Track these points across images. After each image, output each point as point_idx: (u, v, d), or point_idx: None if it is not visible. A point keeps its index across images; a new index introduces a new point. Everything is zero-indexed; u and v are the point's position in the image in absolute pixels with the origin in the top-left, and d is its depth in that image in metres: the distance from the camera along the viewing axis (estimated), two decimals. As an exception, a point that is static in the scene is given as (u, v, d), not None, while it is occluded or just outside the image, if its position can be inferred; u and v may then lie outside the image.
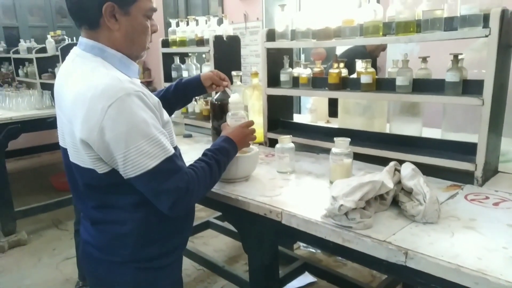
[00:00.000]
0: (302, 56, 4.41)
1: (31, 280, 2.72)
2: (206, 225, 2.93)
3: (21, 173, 4.88)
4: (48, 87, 3.71)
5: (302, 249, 2.97)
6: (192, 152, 1.78)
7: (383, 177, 1.12)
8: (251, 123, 1.39)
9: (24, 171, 5.01)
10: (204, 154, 1.19)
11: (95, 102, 0.93)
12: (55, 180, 4.32)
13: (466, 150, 1.37)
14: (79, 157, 1.02)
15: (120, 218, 1.06)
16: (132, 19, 1.04)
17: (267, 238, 1.32)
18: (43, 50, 3.72)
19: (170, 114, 1.27)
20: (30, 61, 4.15)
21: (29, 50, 4.03)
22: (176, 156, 1.03)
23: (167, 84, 2.52)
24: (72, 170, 1.08)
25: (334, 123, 2.11)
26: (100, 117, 0.92)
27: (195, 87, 1.57)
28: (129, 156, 0.94)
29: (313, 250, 2.95)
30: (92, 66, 1.01)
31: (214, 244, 3.14)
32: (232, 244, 3.09)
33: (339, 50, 3.31)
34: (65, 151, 1.09)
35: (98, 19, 1.01)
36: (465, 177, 1.35)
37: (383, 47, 3.13)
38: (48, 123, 3.29)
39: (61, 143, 1.12)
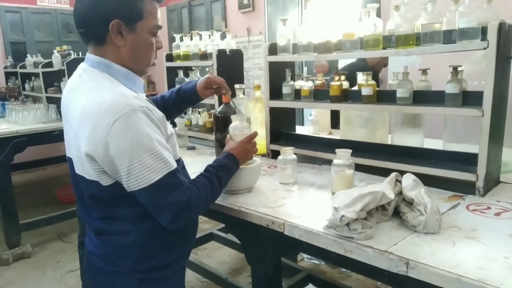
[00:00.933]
0: (305, 69, 4.46)
1: (35, 293, 2.73)
2: (210, 237, 2.93)
3: (26, 186, 4.91)
4: (54, 101, 3.76)
5: (306, 261, 2.96)
6: (195, 164, 1.80)
7: (384, 188, 1.13)
8: (254, 135, 1.41)
9: (29, 184, 5.04)
10: (206, 170, 1.21)
11: (101, 117, 0.95)
12: (60, 193, 4.35)
13: (468, 161, 1.38)
14: (84, 170, 1.05)
15: (124, 229, 1.08)
16: (138, 36, 1.07)
17: (270, 249, 1.32)
18: (49, 64, 3.79)
19: (168, 119, 1.26)
20: (36, 75, 4.22)
21: (35, 64, 4.10)
22: (178, 171, 1.05)
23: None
24: (78, 181, 1.10)
25: (337, 135, 2.13)
26: (105, 132, 0.94)
27: (193, 96, 1.55)
28: (133, 170, 0.96)
29: (317, 262, 2.94)
30: (99, 82, 1.03)
31: (217, 256, 3.13)
32: (236, 256, 3.08)
33: (341, 64, 3.35)
34: (71, 161, 1.12)
35: (104, 36, 1.04)
36: (466, 188, 1.36)
37: (384, 63, 3.15)
38: (54, 137, 3.33)
39: (67, 154, 1.15)
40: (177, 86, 1.66)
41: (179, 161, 1.15)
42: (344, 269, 2.81)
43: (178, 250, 1.19)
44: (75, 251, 3.10)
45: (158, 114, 1.06)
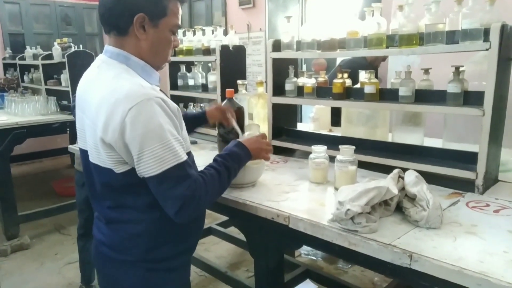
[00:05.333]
0: (304, 66, 4.48)
1: (34, 284, 2.73)
2: (208, 231, 2.95)
3: (23, 178, 4.91)
4: (53, 93, 3.76)
5: (303, 256, 3.00)
6: (197, 158, 1.78)
7: (388, 183, 1.16)
8: (264, 135, 1.42)
9: (26, 176, 5.04)
10: (214, 160, 1.22)
11: (118, 105, 0.98)
12: (57, 186, 4.35)
13: (467, 159, 1.41)
14: (99, 158, 1.07)
15: (135, 218, 1.10)
16: (159, 32, 1.10)
17: (273, 242, 1.35)
18: (49, 56, 3.78)
19: None
20: (35, 67, 4.21)
21: (35, 56, 4.09)
22: (187, 164, 1.06)
23: (173, 92, 2.59)
24: (91, 170, 1.12)
25: (337, 132, 2.15)
26: (121, 119, 0.97)
27: (200, 121, 1.67)
28: (143, 157, 0.99)
29: (314, 258, 2.97)
30: (117, 72, 1.06)
31: (215, 250, 3.16)
32: (234, 251, 3.11)
33: (339, 60, 3.38)
34: (85, 153, 1.14)
35: (128, 27, 1.07)
36: (465, 186, 1.39)
37: (383, 57, 3.18)
38: (53, 129, 3.33)
39: (81, 145, 1.17)
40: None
41: (189, 154, 1.17)
42: (341, 265, 2.85)
43: (186, 241, 1.21)
44: (73, 244, 3.11)
45: (173, 106, 1.08)
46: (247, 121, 2.01)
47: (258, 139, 1.37)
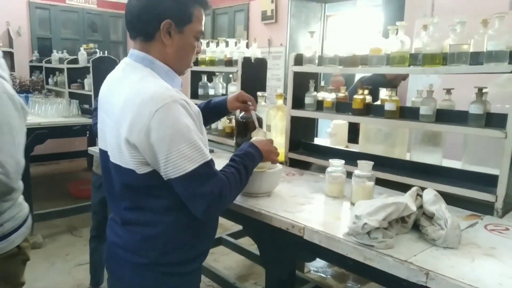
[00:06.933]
0: (323, 82, 4.49)
1: (44, 283, 2.76)
2: (219, 241, 2.95)
3: (40, 178, 4.99)
4: (76, 97, 3.86)
5: (312, 273, 2.96)
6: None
7: (406, 200, 1.15)
8: (272, 140, 1.44)
9: (43, 176, 5.12)
10: (232, 160, 1.24)
11: (144, 106, 1.00)
12: (73, 188, 4.41)
13: (487, 182, 1.39)
14: (122, 158, 1.09)
15: (152, 220, 1.11)
16: (184, 38, 1.13)
17: (286, 253, 1.35)
18: (75, 61, 3.89)
19: None
20: (60, 71, 4.33)
21: (60, 60, 4.21)
22: (212, 162, 1.09)
23: (193, 101, 2.62)
24: (110, 171, 1.15)
25: (354, 149, 2.14)
26: (147, 120, 0.99)
27: (222, 109, 1.63)
28: (171, 158, 1.01)
29: (323, 275, 2.93)
30: (142, 75, 1.09)
31: (224, 261, 3.15)
32: (243, 263, 3.09)
33: (357, 78, 3.39)
34: (104, 153, 1.16)
35: (154, 33, 1.10)
36: (484, 208, 1.37)
37: (403, 77, 3.18)
38: (74, 131, 3.41)
39: (101, 146, 1.19)
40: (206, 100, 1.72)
41: None
42: (350, 285, 2.80)
43: (200, 246, 1.22)
44: (84, 245, 3.14)
45: (195, 108, 1.12)
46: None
47: (268, 142, 1.40)
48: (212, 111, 1.63)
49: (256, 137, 1.51)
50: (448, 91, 1.63)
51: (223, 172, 1.15)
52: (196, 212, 1.07)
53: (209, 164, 1.07)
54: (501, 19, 1.33)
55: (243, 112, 1.78)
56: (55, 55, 4.35)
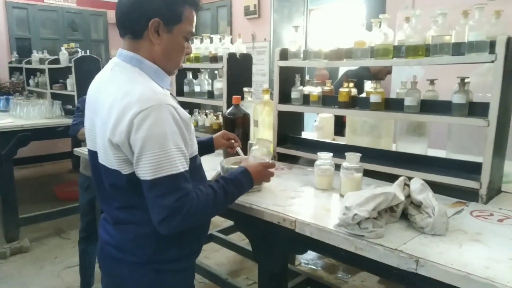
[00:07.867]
0: (307, 76, 4.52)
1: (33, 287, 2.72)
2: (209, 238, 2.95)
3: (24, 181, 4.90)
4: (59, 97, 3.79)
5: (303, 265, 2.99)
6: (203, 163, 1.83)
7: (394, 189, 1.17)
8: (273, 165, 1.39)
9: (27, 179, 5.04)
10: (216, 181, 1.19)
11: (128, 108, 0.99)
12: (58, 190, 4.35)
13: (471, 169, 1.43)
14: (107, 159, 1.08)
15: (143, 219, 1.10)
16: (173, 38, 1.12)
17: (279, 246, 1.36)
18: (56, 61, 3.82)
19: None
20: (41, 71, 4.25)
21: (41, 61, 4.13)
22: (183, 176, 1.03)
23: (179, 98, 2.61)
24: (100, 171, 1.14)
25: (340, 142, 2.17)
26: (129, 121, 0.99)
27: (208, 149, 1.63)
28: (141, 160, 1.00)
29: (314, 267, 2.97)
30: (130, 76, 1.08)
31: (215, 257, 3.15)
32: (234, 259, 3.11)
33: (342, 72, 3.42)
34: (94, 154, 1.15)
35: (142, 31, 1.09)
36: (469, 195, 1.41)
37: (387, 70, 3.22)
38: (58, 132, 3.35)
39: (90, 147, 1.18)
40: None
41: (196, 157, 1.19)
42: (340, 275, 2.84)
43: (193, 243, 1.22)
44: (72, 248, 3.11)
45: (184, 115, 1.09)
46: (252, 128, 2.03)
47: (265, 169, 1.34)
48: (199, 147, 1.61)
49: (258, 146, 1.48)
50: (432, 82, 1.66)
51: (198, 190, 1.09)
52: (153, 220, 1.03)
53: (177, 177, 1.01)
54: (481, 10, 1.36)
55: (231, 108, 1.78)
56: (35, 55, 4.26)
